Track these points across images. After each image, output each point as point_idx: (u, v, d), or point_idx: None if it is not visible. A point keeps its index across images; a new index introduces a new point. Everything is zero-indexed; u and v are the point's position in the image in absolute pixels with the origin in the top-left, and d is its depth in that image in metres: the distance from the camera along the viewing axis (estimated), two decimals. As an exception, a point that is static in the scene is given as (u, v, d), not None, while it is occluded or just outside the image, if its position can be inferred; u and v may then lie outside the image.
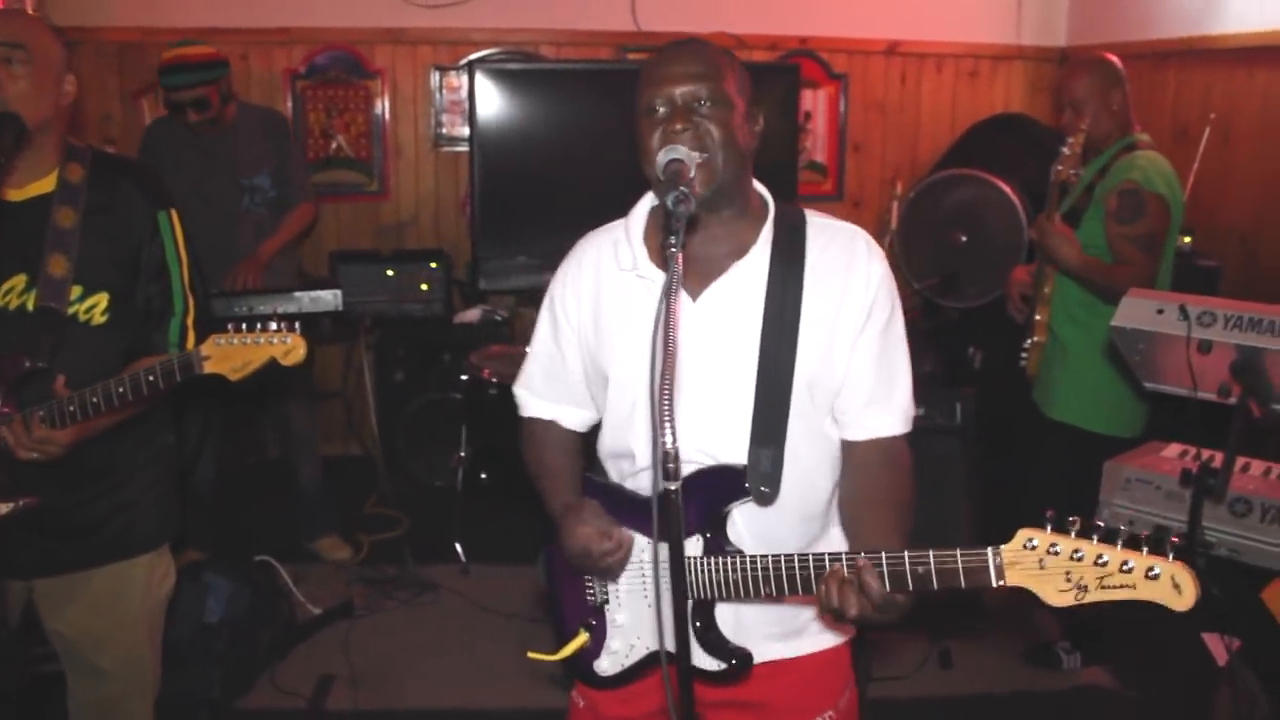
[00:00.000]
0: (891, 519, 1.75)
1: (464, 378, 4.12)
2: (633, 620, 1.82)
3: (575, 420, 1.99)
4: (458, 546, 4.33)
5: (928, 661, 3.65)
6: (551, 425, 1.99)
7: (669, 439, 1.35)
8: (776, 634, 1.84)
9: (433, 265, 4.99)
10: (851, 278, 1.76)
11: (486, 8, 5.36)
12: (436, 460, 4.89)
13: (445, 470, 4.74)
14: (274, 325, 1.99)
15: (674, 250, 1.40)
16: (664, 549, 1.73)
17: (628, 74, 5.33)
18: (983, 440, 3.86)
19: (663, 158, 1.59)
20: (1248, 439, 2.22)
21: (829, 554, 1.53)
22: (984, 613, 3.85)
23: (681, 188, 1.47)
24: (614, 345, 1.81)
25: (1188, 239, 4.43)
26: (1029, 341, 3.63)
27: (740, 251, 1.76)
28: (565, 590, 1.92)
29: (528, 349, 2.00)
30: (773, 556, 1.60)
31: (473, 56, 5.35)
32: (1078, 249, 3.33)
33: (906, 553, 1.45)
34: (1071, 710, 3.44)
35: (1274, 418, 2.18)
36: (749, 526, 1.76)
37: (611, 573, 1.80)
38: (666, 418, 1.34)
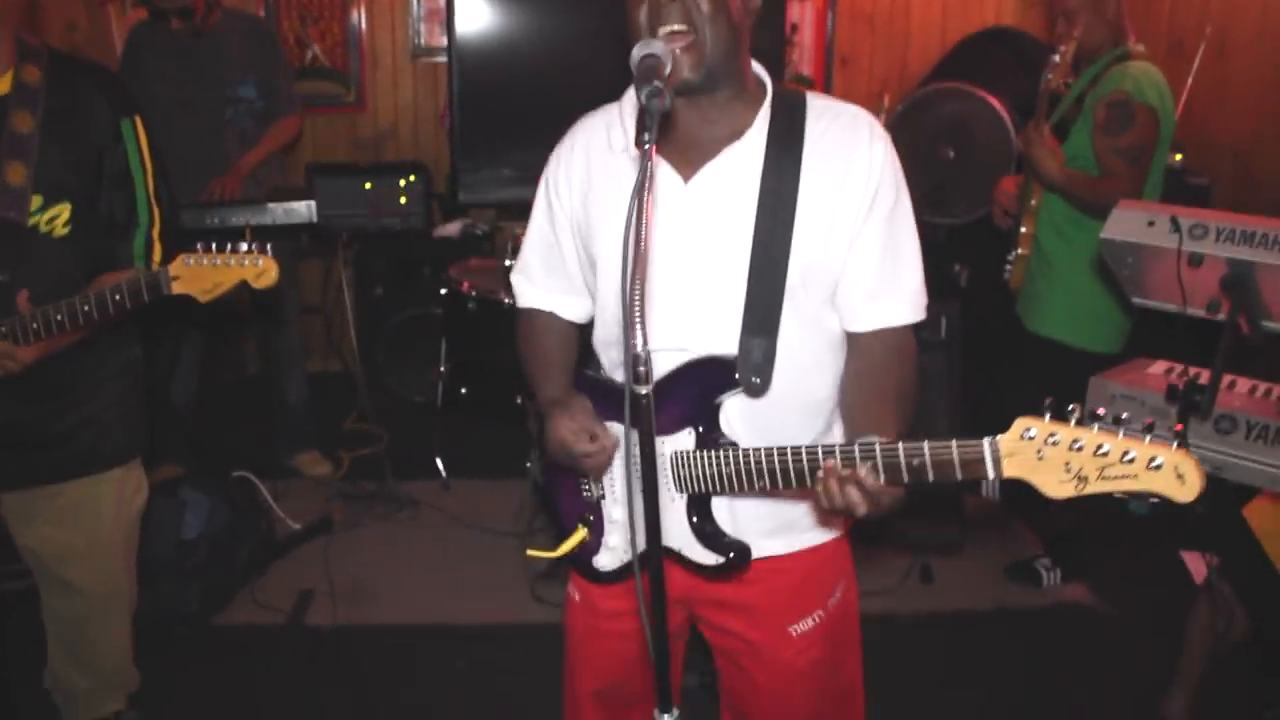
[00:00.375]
0: (890, 409, 1.69)
1: (443, 291, 4.05)
2: (629, 516, 1.79)
3: (574, 311, 1.93)
4: (438, 462, 4.31)
5: (909, 576, 3.67)
6: (549, 316, 1.94)
7: (639, 342, 1.29)
8: (770, 529, 1.80)
9: (411, 178, 4.88)
10: (854, 161, 1.66)
11: (465, -89, 5.18)
12: (416, 376, 4.85)
13: (425, 385, 4.70)
14: (244, 246, 1.93)
15: (646, 146, 1.34)
16: (669, 444, 1.71)
17: (611, -17, 5.26)
18: (967, 356, 3.84)
19: (638, 52, 1.51)
20: (1235, 357, 2.19)
21: (822, 446, 1.50)
22: (965, 526, 3.86)
23: (656, 82, 1.39)
24: (603, 229, 1.75)
25: (1179, 156, 4.37)
26: (1013, 254, 3.58)
27: (735, 135, 1.68)
28: (562, 486, 1.90)
29: (523, 235, 1.94)
30: (765, 449, 1.56)
31: (451, -38, 5.18)
32: (1060, 162, 3.26)
33: (901, 444, 1.41)
34: (1052, 626, 3.47)
35: (1263, 335, 2.14)
36: (744, 419, 1.72)
37: (594, 471, 1.78)
38: (637, 319, 1.28)
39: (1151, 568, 3.74)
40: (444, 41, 5.16)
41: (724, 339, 1.68)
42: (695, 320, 1.70)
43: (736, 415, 1.72)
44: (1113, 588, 3.63)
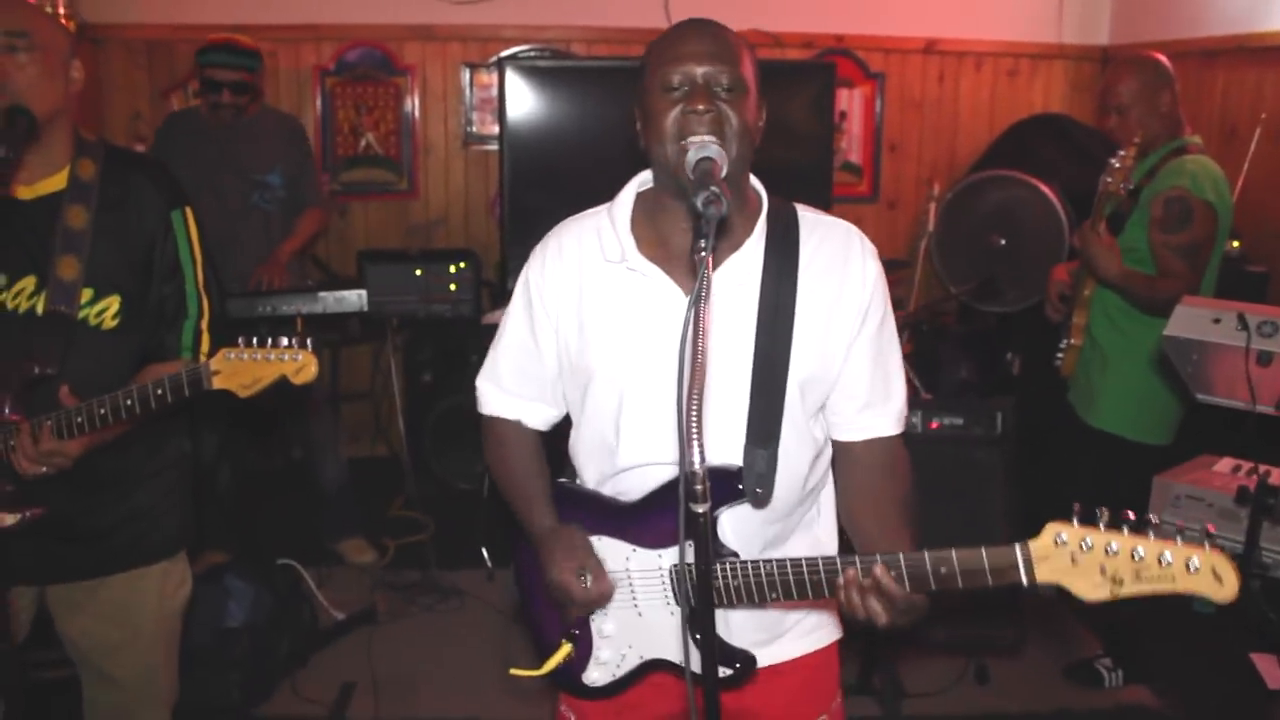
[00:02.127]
0: (897, 517, 1.71)
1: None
2: (621, 629, 1.76)
3: (540, 419, 1.89)
4: (484, 551, 4.27)
5: (964, 677, 3.55)
6: (516, 426, 1.89)
7: (697, 459, 1.26)
8: (764, 639, 1.78)
9: (461, 265, 4.92)
10: (848, 276, 1.69)
11: (517, 4, 5.31)
12: (463, 463, 4.83)
13: (471, 473, 4.68)
14: (285, 341, 1.93)
15: (704, 254, 1.32)
16: (668, 557, 1.69)
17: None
18: (1021, 449, 3.75)
19: (694, 155, 1.50)
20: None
21: (841, 557, 1.49)
22: (1023, 624, 3.73)
23: (713, 188, 1.38)
24: (601, 340, 1.72)
25: (1236, 243, 4.30)
26: (1065, 343, 3.54)
27: (734, 246, 1.69)
28: (543, 600, 1.84)
29: (495, 341, 1.89)
30: (778, 561, 1.55)
31: (503, 54, 5.29)
32: (1119, 261, 3.21)
33: (927, 553, 1.41)
34: (1115, 730, 3.33)
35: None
36: (737, 529, 1.70)
37: (589, 610, 1.74)
38: (695, 436, 1.25)
39: (1219, 668, 3.58)
40: (495, 129, 5.22)
41: (726, 449, 1.66)
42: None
43: (730, 525, 1.70)
44: (1178, 689, 3.49)
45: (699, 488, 1.28)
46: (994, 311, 4.95)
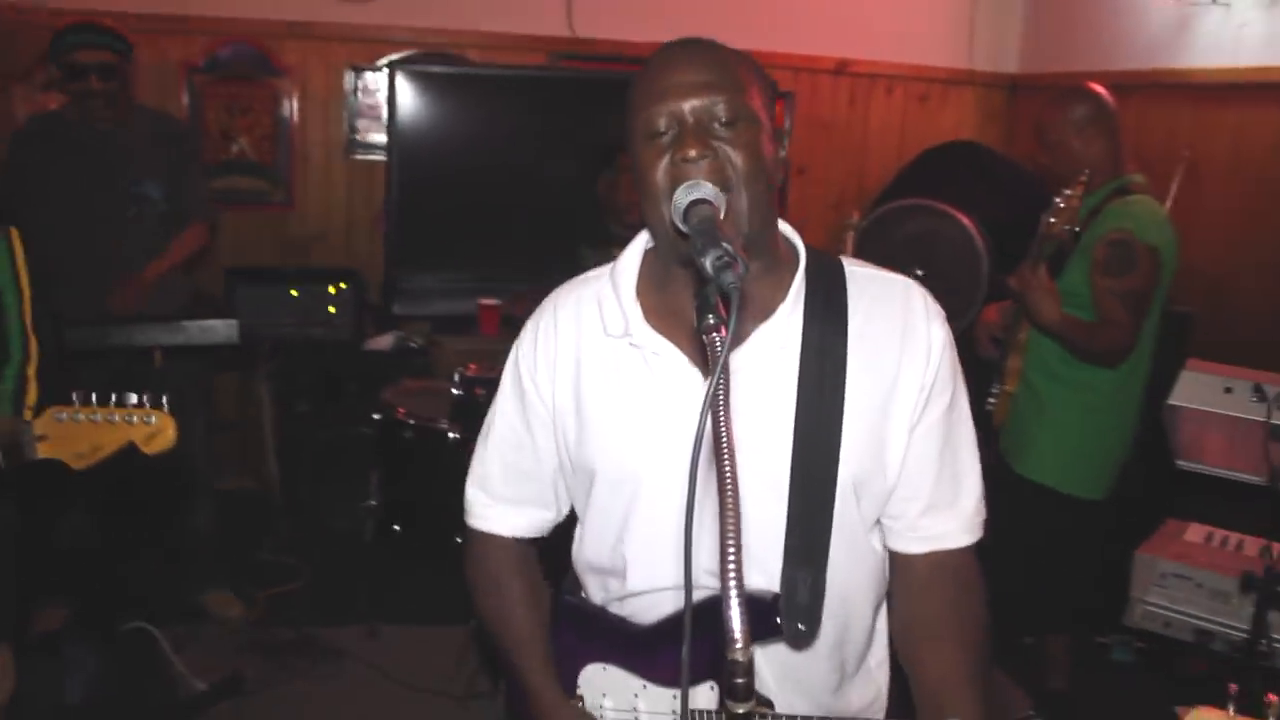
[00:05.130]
0: (962, 660, 1.37)
1: (376, 417, 3.67)
2: None
3: (538, 526, 1.57)
4: (366, 605, 3.87)
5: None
6: (511, 548, 1.55)
7: (737, 632, 0.89)
8: None
9: (342, 285, 4.55)
10: (908, 346, 1.37)
11: (407, 4, 4.91)
12: (340, 501, 4.40)
13: (350, 511, 4.27)
14: (133, 398, 1.55)
15: (715, 337, 1.01)
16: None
17: (561, 83, 5.03)
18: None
19: (682, 197, 1.19)
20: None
21: None
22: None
23: (724, 244, 1.06)
24: (602, 433, 1.41)
25: (1157, 284, 4.21)
26: (996, 388, 3.34)
27: (764, 312, 1.36)
28: None
29: (483, 434, 1.56)
30: None
31: (392, 57, 4.89)
32: (1059, 307, 3.01)
33: None
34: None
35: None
36: (772, 668, 1.37)
37: None
38: (734, 594, 0.88)
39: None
40: (381, 138, 4.87)
41: (759, 570, 1.34)
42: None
43: (767, 666, 1.37)
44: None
45: (740, 681, 0.91)
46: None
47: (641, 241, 1.46)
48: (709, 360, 1.02)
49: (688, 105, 1.28)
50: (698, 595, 1.34)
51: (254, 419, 4.74)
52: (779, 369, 1.35)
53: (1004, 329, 3.34)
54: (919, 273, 4.66)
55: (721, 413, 0.96)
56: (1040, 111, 3.28)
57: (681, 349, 1.36)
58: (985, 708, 1.31)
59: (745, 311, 1.34)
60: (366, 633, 3.79)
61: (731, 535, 0.89)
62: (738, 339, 1.34)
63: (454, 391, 3.44)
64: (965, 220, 4.55)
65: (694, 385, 1.34)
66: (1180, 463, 2.11)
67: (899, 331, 1.37)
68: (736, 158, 1.27)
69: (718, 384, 0.97)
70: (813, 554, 1.32)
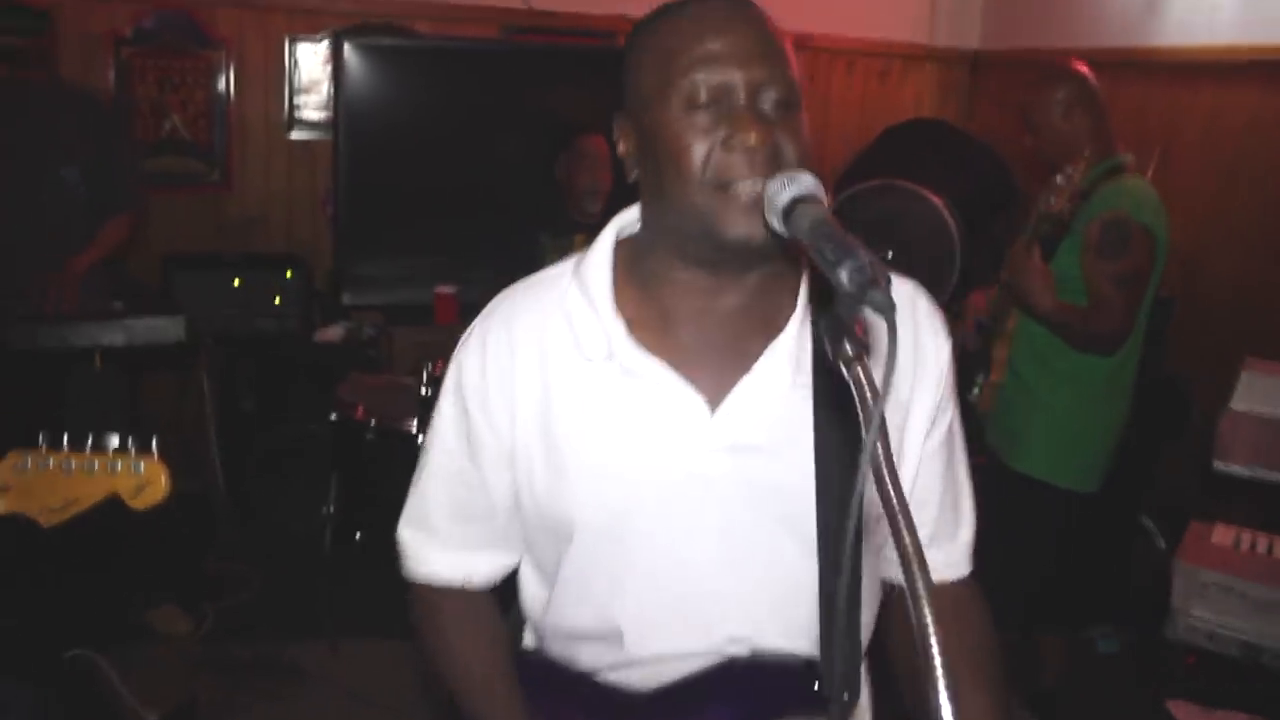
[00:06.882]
0: (989, 706, 1.22)
1: (332, 417, 3.44)
2: None
3: (493, 570, 1.35)
4: (326, 617, 3.64)
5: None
6: (461, 598, 1.34)
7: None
8: None
9: (288, 274, 4.28)
10: (921, 358, 1.22)
11: (352, -28, 4.65)
12: (292, 502, 4.17)
13: (304, 514, 4.04)
14: (115, 441, 1.33)
15: (858, 369, 0.84)
16: None
17: (517, 57, 4.79)
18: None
19: (779, 193, 0.99)
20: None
21: None
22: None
23: (860, 253, 0.84)
24: (584, 477, 1.19)
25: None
26: (980, 378, 3.23)
27: (770, 326, 1.18)
28: None
29: (419, 466, 1.33)
30: None
31: (336, 29, 4.61)
32: (1054, 293, 2.91)
33: None
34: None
35: None
36: None
37: None
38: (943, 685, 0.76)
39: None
40: (325, 115, 4.62)
41: (783, 630, 1.18)
42: (743, 605, 1.19)
43: None
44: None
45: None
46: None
47: (610, 235, 1.24)
48: (858, 401, 0.82)
49: (742, 78, 1.09)
50: (711, 661, 1.19)
51: (194, 417, 4.46)
52: (793, 395, 1.17)
53: (992, 317, 3.22)
54: (889, 255, 4.56)
55: (887, 476, 0.79)
56: (1023, 94, 3.18)
57: (678, 370, 1.16)
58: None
59: (747, 325, 1.18)
60: (328, 648, 3.57)
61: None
62: (741, 362, 1.17)
63: (422, 391, 3.23)
64: (937, 200, 4.45)
65: (695, 412, 1.16)
66: (1218, 464, 2.00)
67: (910, 347, 1.21)
68: (788, 148, 1.08)
69: (875, 440, 0.80)
70: (849, 608, 1.16)
